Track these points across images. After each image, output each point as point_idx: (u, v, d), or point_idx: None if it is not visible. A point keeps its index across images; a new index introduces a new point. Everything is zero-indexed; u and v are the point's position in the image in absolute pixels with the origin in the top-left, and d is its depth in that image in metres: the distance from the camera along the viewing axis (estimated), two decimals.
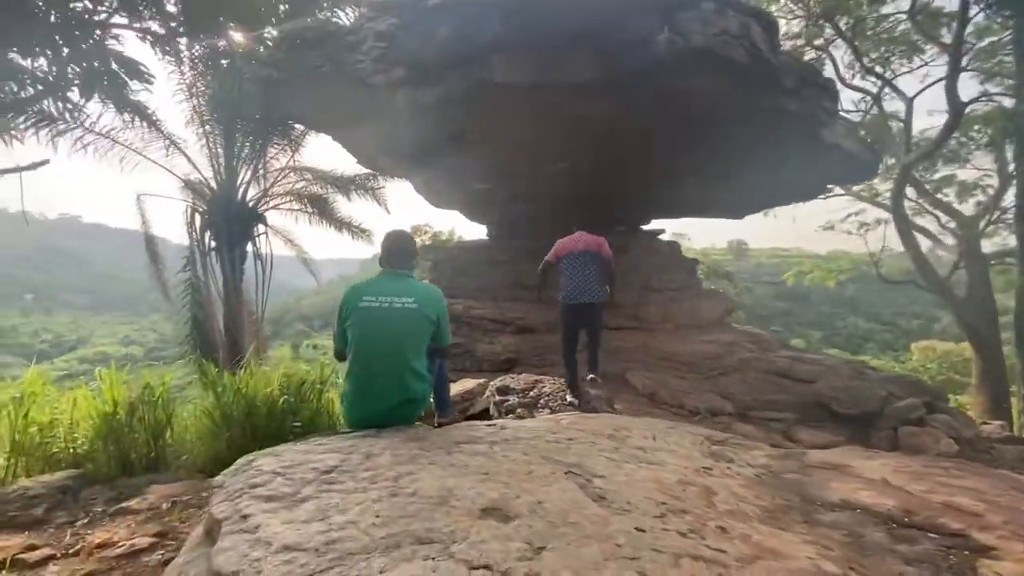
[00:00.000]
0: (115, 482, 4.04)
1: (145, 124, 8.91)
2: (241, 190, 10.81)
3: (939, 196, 11.37)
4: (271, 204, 12.03)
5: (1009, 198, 10.30)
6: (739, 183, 7.74)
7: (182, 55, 8.66)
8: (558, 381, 4.05)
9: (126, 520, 3.08)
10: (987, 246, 10.71)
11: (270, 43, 7.88)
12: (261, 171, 10.87)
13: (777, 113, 5.80)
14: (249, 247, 11.20)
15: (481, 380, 4.85)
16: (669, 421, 2.92)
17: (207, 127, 9.95)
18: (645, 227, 9.79)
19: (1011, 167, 10.21)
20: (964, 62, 8.70)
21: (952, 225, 11.39)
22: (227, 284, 10.84)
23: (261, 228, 11.64)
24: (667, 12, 4.98)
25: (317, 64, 7.14)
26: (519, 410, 3.52)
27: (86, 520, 3.11)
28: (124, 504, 3.35)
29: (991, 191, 11.13)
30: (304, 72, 7.41)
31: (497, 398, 3.94)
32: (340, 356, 2.27)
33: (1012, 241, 10.06)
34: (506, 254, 8.24)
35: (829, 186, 9.21)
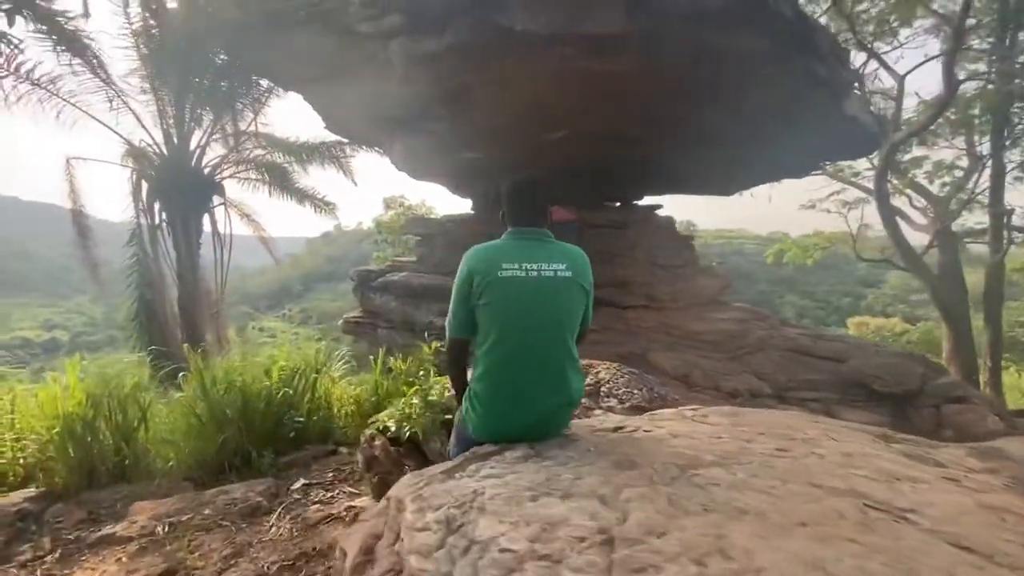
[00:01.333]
0: (81, 498, 3.31)
1: (84, 66, 7.58)
2: (196, 155, 9.63)
3: (911, 176, 11.69)
4: (228, 173, 10.85)
5: (980, 179, 10.79)
6: (744, 156, 7.49)
7: None
8: (612, 366, 3.63)
9: (113, 552, 2.43)
10: (957, 226, 11.17)
11: None
12: (220, 134, 9.71)
13: (808, 79, 5.50)
14: (206, 221, 10.07)
15: None
16: (794, 412, 2.56)
17: (156, 81, 8.68)
18: (638, 203, 9.49)
19: (983, 148, 10.65)
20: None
21: (923, 205, 11.83)
22: (182, 261, 9.74)
23: (218, 199, 10.48)
24: None
25: (294, 8, 6.23)
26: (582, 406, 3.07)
27: (58, 554, 2.44)
28: (105, 530, 2.68)
29: (960, 173, 11.58)
30: (277, 17, 6.48)
31: None
32: (460, 346, 1.71)
33: (985, 221, 10.55)
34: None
35: (823, 163, 9.22)
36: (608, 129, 6.96)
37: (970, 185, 11.12)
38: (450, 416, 3.59)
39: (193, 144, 9.57)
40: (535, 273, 1.54)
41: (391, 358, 5.63)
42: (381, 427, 3.32)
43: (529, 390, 1.52)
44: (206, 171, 9.95)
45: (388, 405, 5.50)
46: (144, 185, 9.35)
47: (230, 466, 3.84)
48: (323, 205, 12.49)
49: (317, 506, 3.01)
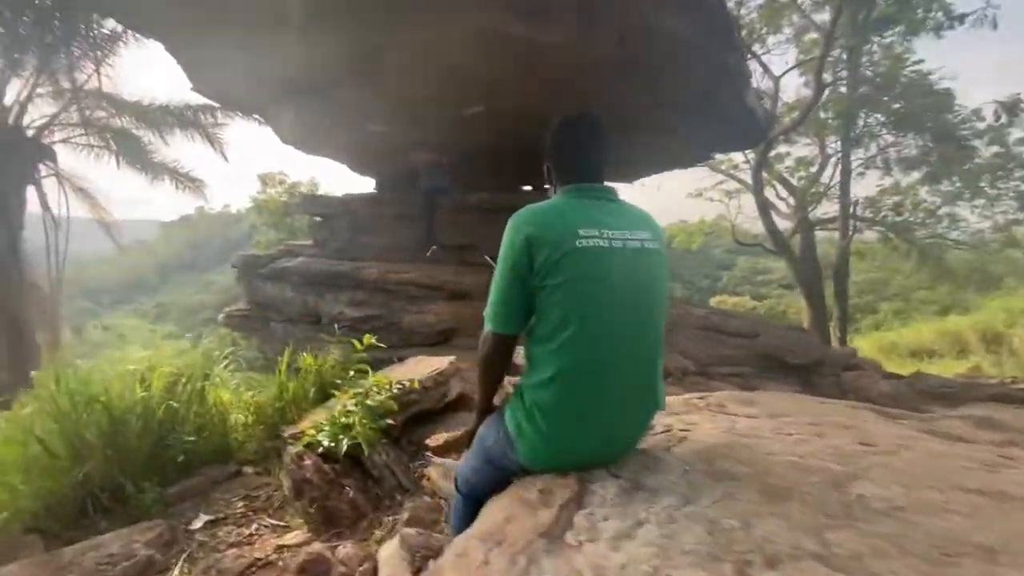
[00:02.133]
0: None
1: None
2: (14, 112, 7.59)
3: (778, 170, 13.24)
4: (60, 137, 8.80)
5: (833, 174, 12.65)
6: (656, 143, 7.74)
7: None
8: None
9: None
10: (812, 216, 12.91)
11: None
12: (50, 87, 7.73)
13: (722, 69, 5.74)
14: (31, 193, 8.06)
15: (446, 357, 3.99)
16: (787, 393, 2.51)
17: None
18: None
19: (833, 147, 12.45)
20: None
21: (786, 195, 13.50)
22: None
23: (47, 169, 8.45)
24: None
25: None
26: None
27: None
28: None
29: (815, 168, 13.38)
30: None
31: (507, 380, 3.15)
32: (506, 345, 1.27)
33: (834, 211, 12.37)
34: (416, 209, 7.13)
35: (718, 152, 9.97)
36: (526, 107, 6.70)
37: (824, 179, 12.96)
38: (391, 422, 3.13)
39: (10, 97, 7.53)
40: (620, 244, 1.17)
41: (295, 356, 4.91)
42: (310, 442, 2.75)
43: (619, 401, 1.17)
44: (29, 132, 7.92)
45: (295, 412, 4.82)
46: None
47: (95, 507, 2.97)
48: (187, 182, 10.66)
49: (234, 551, 2.38)
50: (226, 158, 11.13)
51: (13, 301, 7.85)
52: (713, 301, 33.04)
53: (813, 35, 12.68)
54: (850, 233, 12.24)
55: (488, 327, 1.26)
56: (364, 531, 2.45)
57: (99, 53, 7.77)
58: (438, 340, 5.57)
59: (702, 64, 5.56)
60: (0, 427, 3.37)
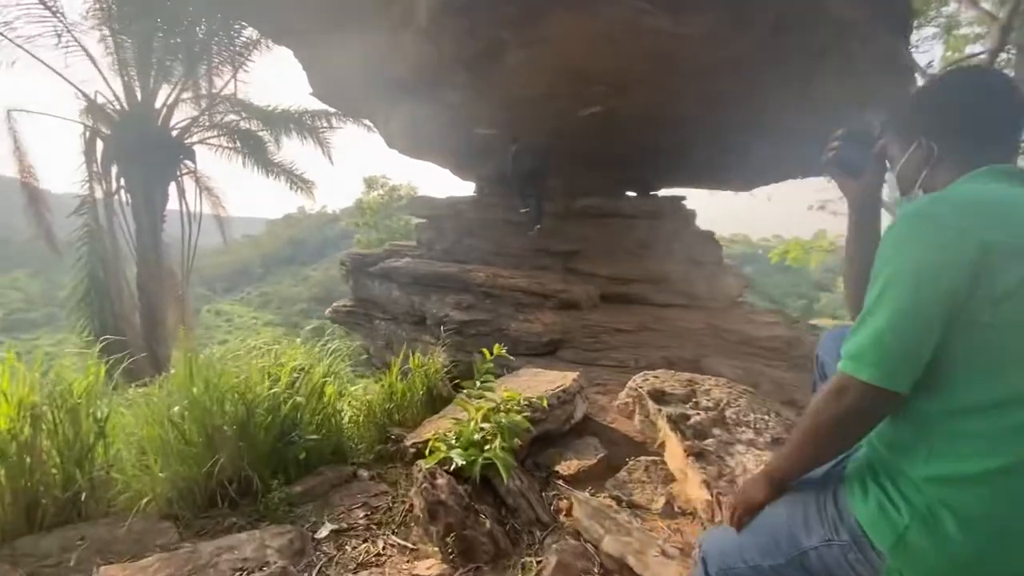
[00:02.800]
0: (17, 547, 2.39)
1: None
2: (163, 114, 8.38)
3: None
4: (198, 137, 9.61)
5: None
6: (788, 147, 6.95)
7: None
8: (720, 382, 2.94)
9: None
10: None
11: None
12: (192, 91, 8.47)
13: (889, 62, 4.96)
14: (172, 188, 8.84)
15: (568, 373, 3.64)
16: None
17: (116, 22, 7.39)
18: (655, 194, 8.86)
19: None
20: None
21: None
22: (142, 235, 8.51)
23: (187, 167, 9.24)
24: None
25: None
26: (714, 439, 2.36)
27: None
28: None
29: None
30: None
31: (653, 407, 2.75)
32: (883, 404, 0.85)
33: None
34: (524, 214, 6.92)
35: None
36: (648, 108, 6.27)
37: None
38: (519, 443, 2.85)
39: (160, 101, 8.32)
40: None
41: (394, 356, 4.80)
42: (441, 458, 2.53)
43: None
44: (174, 134, 8.71)
45: (402, 414, 4.70)
46: (100, 146, 8.05)
47: (223, 498, 2.95)
48: (301, 182, 11.35)
49: (365, 573, 2.18)
50: (332, 161, 11.75)
51: (152, 286, 8.64)
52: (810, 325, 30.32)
53: (966, 30, 11.02)
54: None
55: (857, 374, 0.84)
56: (504, 569, 2.17)
57: (237, 60, 8.42)
58: (544, 351, 5.26)
59: (867, 54, 4.82)
60: (141, 409, 3.50)
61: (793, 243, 13.49)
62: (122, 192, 8.39)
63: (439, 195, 9.25)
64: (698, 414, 2.50)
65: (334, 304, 7.89)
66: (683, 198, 8.15)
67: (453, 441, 2.69)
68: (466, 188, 10.42)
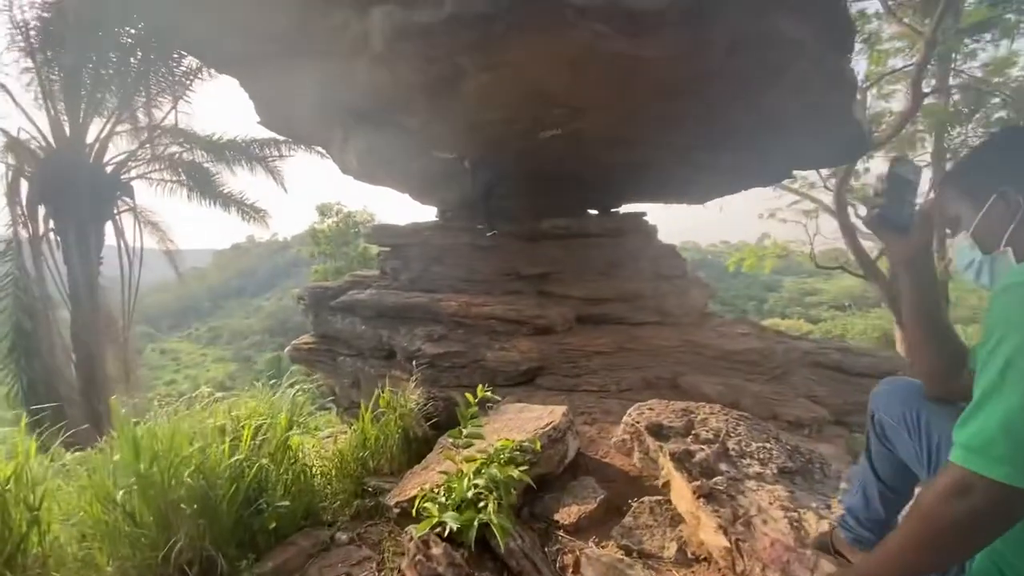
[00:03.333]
0: None
1: None
2: (95, 150, 7.80)
3: (862, 187, 12.31)
4: (136, 172, 9.01)
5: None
6: (743, 160, 7.17)
7: None
8: (715, 409, 2.86)
9: None
10: None
11: None
12: (129, 124, 7.93)
13: (836, 78, 5.17)
14: (109, 228, 8.21)
15: (555, 407, 3.49)
16: None
17: (37, 52, 6.83)
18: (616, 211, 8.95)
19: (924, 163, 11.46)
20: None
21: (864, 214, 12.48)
22: (75, 280, 7.84)
23: (124, 203, 8.62)
24: None
25: None
26: (722, 476, 2.26)
27: None
28: None
29: None
30: None
31: (653, 443, 2.62)
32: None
33: None
34: (491, 238, 6.78)
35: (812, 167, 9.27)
36: (609, 129, 6.32)
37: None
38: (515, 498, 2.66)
39: (92, 135, 7.74)
40: None
41: (363, 395, 4.52)
42: (435, 523, 2.30)
43: None
44: (108, 169, 8.11)
45: (377, 461, 4.44)
46: (25, 186, 7.38)
47: None
48: (253, 212, 10.85)
49: None
50: (286, 189, 11.31)
51: (88, 334, 7.93)
52: (766, 324, 31.48)
53: (887, 44, 11.89)
54: (947, 255, 11.15)
55: (986, 471, 0.72)
56: None
57: (176, 90, 7.96)
58: (523, 379, 5.09)
59: (816, 73, 5.01)
60: (82, 481, 3.09)
61: (748, 251, 13.98)
62: (51, 234, 7.70)
63: (395, 219, 9.01)
64: (701, 449, 2.39)
65: (293, 342, 7.46)
66: (644, 214, 8.24)
67: (443, 500, 2.47)
68: (425, 212, 10.24)
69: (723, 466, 2.31)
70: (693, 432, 2.64)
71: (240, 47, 6.25)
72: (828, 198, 12.18)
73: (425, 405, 4.86)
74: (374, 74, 5.73)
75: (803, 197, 13.01)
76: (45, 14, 6.29)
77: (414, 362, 5.31)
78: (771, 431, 2.71)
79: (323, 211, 14.44)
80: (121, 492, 2.70)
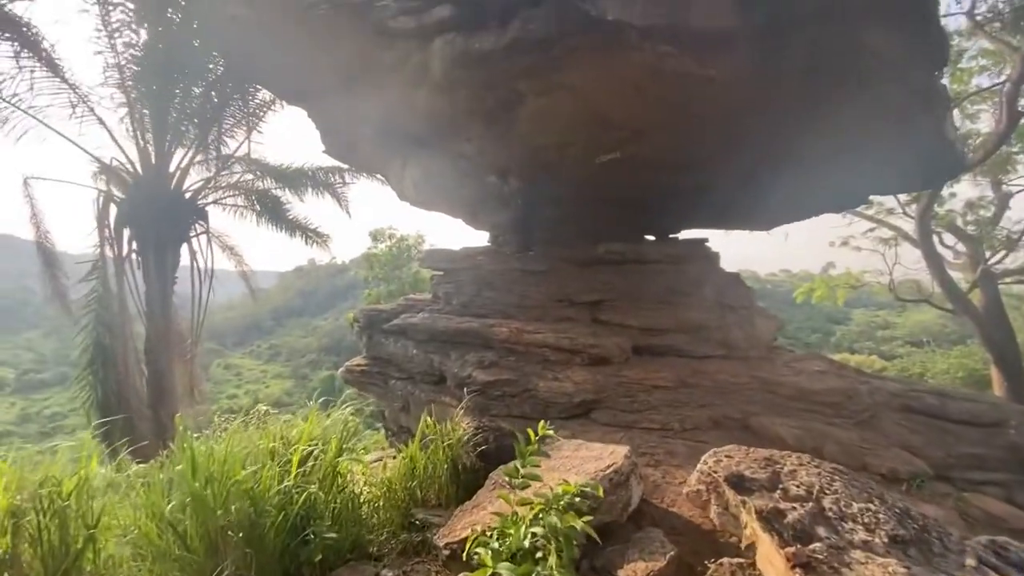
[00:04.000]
0: None
1: (35, 61, 6.35)
2: (176, 177, 8.38)
3: (948, 214, 11.31)
4: (212, 199, 9.59)
5: (1008, 216, 10.52)
6: (815, 184, 6.70)
7: None
8: (805, 460, 2.52)
9: None
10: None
11: None
12: (206, 153, 8.50)
13: (923, 93, 4.75)
14: (184, 251, 8.72)
15: (616, 447, 3.23)
16: None
17: (133, 90, 7.49)
18: (677, 236, 8.59)
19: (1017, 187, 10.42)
20: None
21: (952, 243, 11.44)
22: (152, 298, 8.33)
23: (199, 227, 9.17)
24: None
25: (314, 2, 5.24)
26: (821, 542, 1.94)
27: None
28: None
29: (987, 211, 11.28)
30: (289, 12, 5.47)
31: (734, 497, 2.33)
32: None
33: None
34: (544, 263, 6.65)
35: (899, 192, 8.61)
36: (669, 152, 6.08)
37: (1005, 224, 10.84)
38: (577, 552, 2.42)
39: (174, 164, 8.33)
40: None
41: (412, 419, 4.40)
42: (488, 573, 2.10)
43: None
44: (187, 195, 8.68)
45: (424, 492, 4.30)
46: (113, 210, 8.00)
47: None
48: (316, 237, 11.32)
49: None
50: (349, 214, 11.76)
51: (160, 350, 8.37)
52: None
53: (970, 63, 11.01)
54: None
55: None
56: None
57: (251, 121, 8.49)
58: (576, 412, 4.83)
59: (903, 90, 4.62)
60: (139, 497, 3.13)
61: (818, 280, 13.09)
62: (134, 255, 8.27)
63: (445, 243, 9.10)
64: (793, 508, 2.08)
65: (347, 364, 7.53)
66: (706, 240, 7.86)
67: (497, 546, 2.27)
68: (477, 237, 10.29)
69: (821, 530, 1.99)
70: (781, 486, 2.32)
71: (308, 80, 6.57)
72: (908, 225, 11.27)
73: (475, 435, 4.70)
74: (433, 102, 5.83)
75: (880, 224, 12.10)
76: (138, 53, 6.91)
77: (464, 389, 5.18)
78: (873, 489, 2.35)
79: (376, 236, 14.90)
80: (173, 506, 2.70)
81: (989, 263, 10.48)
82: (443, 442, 4.32)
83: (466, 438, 4.57)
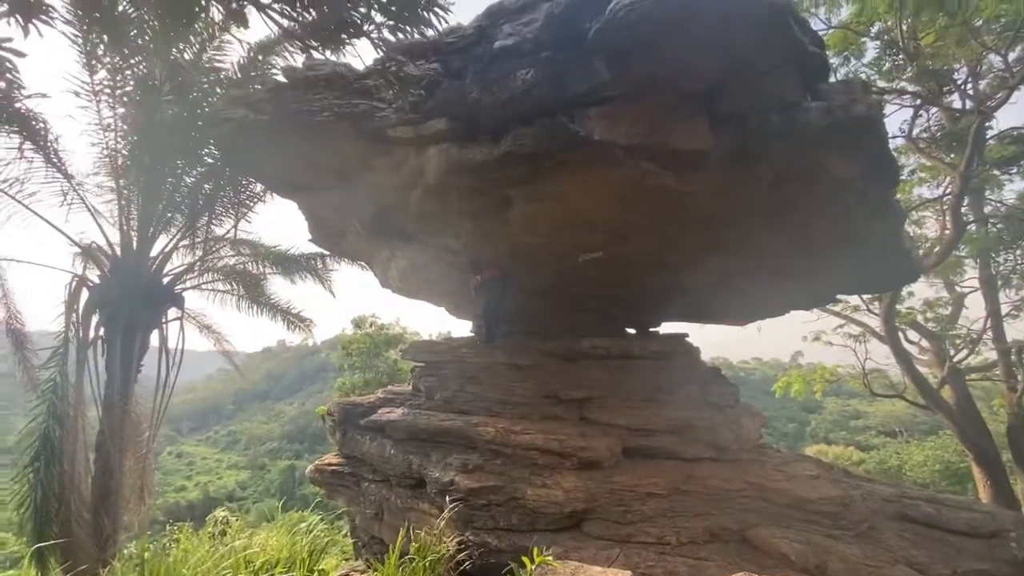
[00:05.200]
0: None
1: (35, 149, 6.41)
2: (156, 262, 8.27)
3: (910, 313, 11.92)
4: (191, 282, 9.43)
5: (965, 315, 11.17)
6: (787, 286, 7.04)
7: (100, 60, 6.43)
8: None
9: None
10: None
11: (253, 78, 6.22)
12: (191, 240, 8.48)
13: (882, 208, 5.18)
14: (154, 337, 8.39)
15: (619, 572, 3.03)
16: None
17: (120, 176, 7.56)
18: (654, 330, 8.74)
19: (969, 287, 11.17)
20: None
21: (916, 339, 11.94)
22: (111, 386, 7.85)
23: (174, 313, 8.91)
24: (808, 77, 4.25)
25: (317, 109, 5.57)
26: None
27: None
28: None
29: (944, 310, 11.97)
30: (293, 118, 5.78)
31: None
32: None
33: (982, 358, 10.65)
34: (529, 356, 6.59)
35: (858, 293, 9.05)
36: (649, 253, 6.37)
37: (961, 323, 11.47)
38: None
39: (156, 250, 8.26)
40: None
41: (386, 529, 4.10)
42: None
43: None
44: (165, 281, 8.52)
45: None
46: (84, 295, 7.75)
47: None
48: (298, 321, 11.11)
49: None
50: (334, 295, 11.68)
51: (112, 443, 7.74)
52: (810, 451, 29.20)
53: (910, 176, 12.23)
54: (1020, 385, 10.31)
55: None
56: None
57: (239, 211, 8.62)
58: (566, 524, 4.55)
59: (862, 204, 5.04)
60: None
61: (795, 375, 13.30)
62: (100, 341, 7.90)
63: (421, 327, 8.98)
64: None
65: (316, 462, 7.07)
66: (686, 335, 8.00)
67: None
68: (454, 324, 10.24)
69: None
70: None
71: (302, 176, 6.79)
72: (874, 322, 11.78)
73: (458, 551, 4.36)
74: (425, 202, 6.05)
75: (847, 320, 12.62)
76: (134, 138, 7.09)
77: (447, 496, 4.86)
78: None
79: (358, 323, 14.71)
80: None
81: (955, 360, 10.90)
82: (423, 560, 3.99)
83: (447, 555, 4.24)
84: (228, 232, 8.92)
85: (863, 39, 10.25)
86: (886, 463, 21.59)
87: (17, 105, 5.09)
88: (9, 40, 3.29)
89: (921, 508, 4.67)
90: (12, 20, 3.16)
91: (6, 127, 5.67)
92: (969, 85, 10.09)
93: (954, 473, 17.06)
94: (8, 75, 3.53)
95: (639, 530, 4.33)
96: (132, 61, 6.17)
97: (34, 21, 3.22)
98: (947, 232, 9.97)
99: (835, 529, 4.29)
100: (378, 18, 3.70)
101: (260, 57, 7.40)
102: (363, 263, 10.43)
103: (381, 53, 4.23)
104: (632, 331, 8.61)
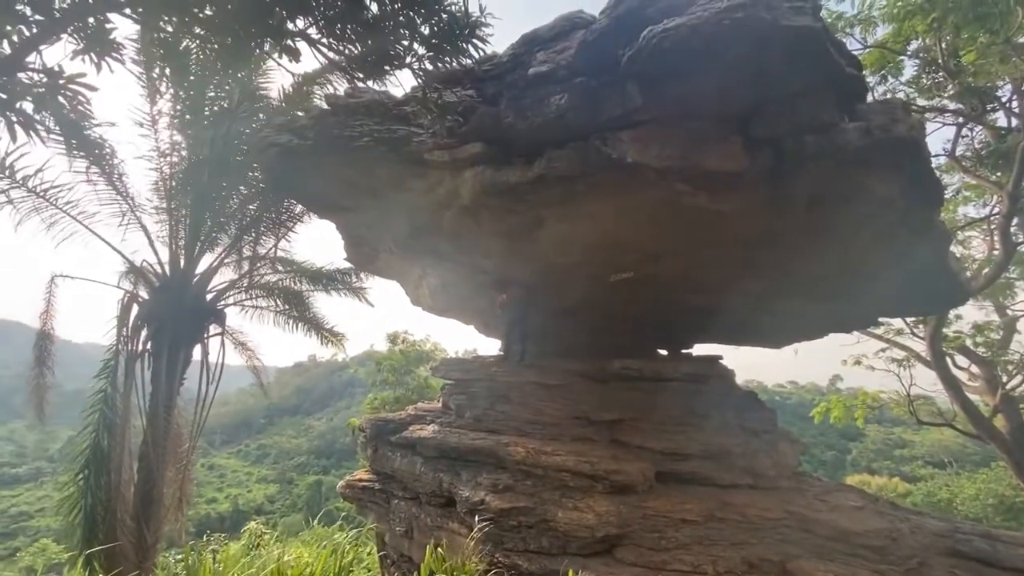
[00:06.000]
0: None
1: (101, 176, 6.87)
2: (199, 279, 8.66)
3: (959, 338, 11.38)
4: (233, 299, 9.80)
5: (1018, 339, 10.57)
6: (822, 308, 6.85)
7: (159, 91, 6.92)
8: None
9: None
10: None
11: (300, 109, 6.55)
12: (234, 258, 8.86)
13: (925, 229, 5.03)
14: (197, 351, 8.73)
15: None
16: None
17: (175, 200, 8.03)
18: (687, 352, 8.59)
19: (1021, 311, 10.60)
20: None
21: (965, 365, 11.37)
22: (156, 398, 8.17)
23: (216, 329, 9.26)
24: (845, 98, 4.22)
25: (354, 135, 5.82)
26: None
27: None
28: None
29: (995, 334, 11.38)
30: (334, 143, 6.04)
31: None
32: None
33: None
34: (559, 377, 6.57)
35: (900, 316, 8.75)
36: (682, 274, 6.32)
37: (1014, 348, 10.88)
38: None
39: (201, 267, 8.66)
40: None
41: (415, 547, 4.10)
42: None
43: None
44: (209, 297, 8.90)
45: None
46: (135, 310, 8.16)
47: None
48: (332, 336, 11.39)
49: None
50: (372, 304, 11.95)
51: (155, 454, 8.03)
52: (852, 481, 27.80)
53: (955, 195, 11.82)
54: None
55: None
56: None
57: (282, 229, 8.99)
58: (599, 548, 4.48)
59: (904, 225, 4.91)
60: None
61: (835, 400, 12.80)
62: (147, 354, 8.28)
63: (448, 346, 9.08)
64: None
65: (347, 478, 7.16)
66: (720, 357, 7.83)
67: None
68: (481, 341, 10.29)
69: None
70: None
71: (340, 198, 7.06)
72: (919, 346, 11.28)
73: (487, 571, 4.34)
74: (459, 222, 6.19)
75: (890, 344, 12.13)
76: (182, 167, 7.56)
77: (476, 516, 4.86)
78: None
79: (392, 339, 14.97)
80: None
81: (1007, 387, 10.32)
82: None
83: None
84: (269, 251, 9.28)
85: (900, 57, 10.08)
86: (935, 496, 20.33)
87: (87, 133, 5.48)
88: (83, 75, 3.57)
89: (975, 544, 4.41)
90: (86, 57, 3.46)
91: (75, 152, 6.10)
92: (1014, 102, 9.77)
93: (1009, 508, 15.95)
94: (80, 107, 3.79)
95: (674, 557, 4.23)
96: (191, 92, 6.60)
97: (106, 59, 3.51)
98: (996, 253, 9.55)
99: (882, 564, 4.09)
100: (420, 50, 3.89)
101: (305, 88, 7.80)
102: (396, 281, 10.69)
103: (420, 81, 4.43)
104: (664, 352, 8.50)
